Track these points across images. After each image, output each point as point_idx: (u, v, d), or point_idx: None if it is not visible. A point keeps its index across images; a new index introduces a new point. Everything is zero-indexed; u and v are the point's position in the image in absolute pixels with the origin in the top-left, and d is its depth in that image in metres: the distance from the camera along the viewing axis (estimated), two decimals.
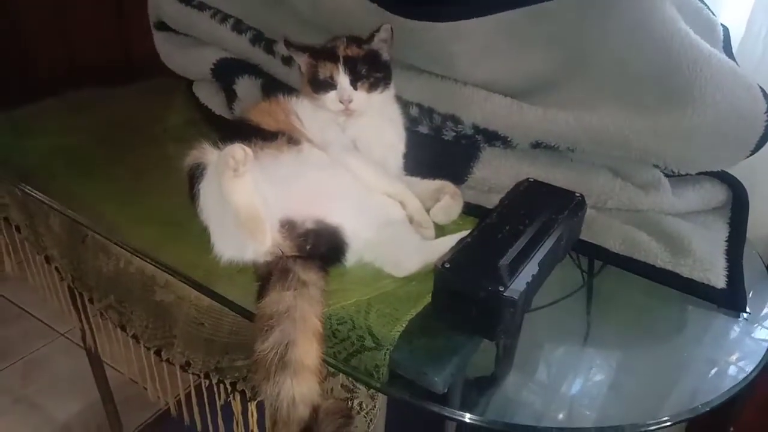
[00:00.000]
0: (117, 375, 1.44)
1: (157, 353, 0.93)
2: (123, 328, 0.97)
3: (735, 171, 0.91)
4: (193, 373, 0.88)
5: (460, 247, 0.69)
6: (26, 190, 0.96)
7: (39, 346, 1.97)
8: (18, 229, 1.07)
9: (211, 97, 1.16)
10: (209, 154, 0.77)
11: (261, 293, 0.69)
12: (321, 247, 0.74)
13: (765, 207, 0.97)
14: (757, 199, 0.91)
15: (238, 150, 0.67)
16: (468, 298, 0.64)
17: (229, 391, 0.85)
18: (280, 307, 0.66)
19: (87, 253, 0.94)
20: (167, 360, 0.93)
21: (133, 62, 1.46)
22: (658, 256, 0.80)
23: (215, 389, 0.88)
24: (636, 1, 0.80)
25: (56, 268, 1.04)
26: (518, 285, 0.63)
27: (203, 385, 0.89)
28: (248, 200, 0.69)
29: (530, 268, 0.66)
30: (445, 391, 0.62)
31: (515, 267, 0.65)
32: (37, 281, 1.12)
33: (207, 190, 0.74)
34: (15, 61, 1.91)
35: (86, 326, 1.17)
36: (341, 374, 0.71)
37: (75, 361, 1.73)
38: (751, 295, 0.78)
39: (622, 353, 0.77)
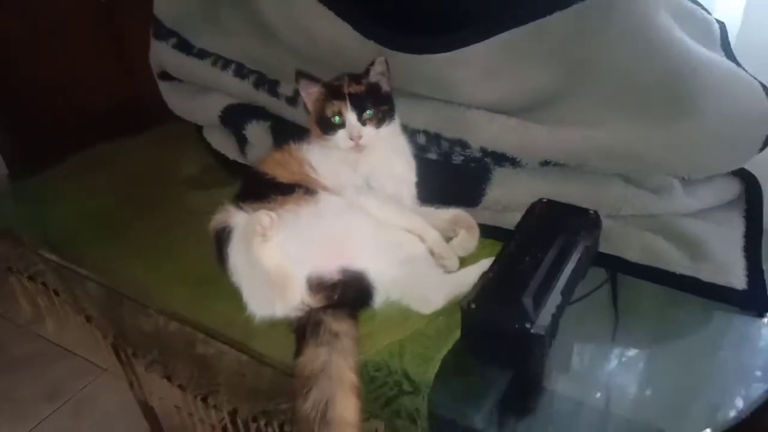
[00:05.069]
0: (163, 404, 1.49)
1: (204, 400, 0.98)
2: (169, 379, 1.01)
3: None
4: (241, 419, 0.93)
5: (484, 283, 0.72)
6: (56, 260, 1.00)
7: (86, 383, 2.04)
8: (56, 292, 1.12)
9: (223, 142, 1.18)
10: (233, 216, 0.80)
11: (297, 349, 0.73)
12: (349, 295, 0.77)
13: None
14: None
15: (264, 217, 0.71)
16: (496, 336, 0.67)
17: None
18: (316, 366, 0.69)
19: (126, 313, 0.98)
20: (214, 406, 0.97)
21: (143, 105, 1.46)
22: (678, 262, 0.81)
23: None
24: (630, 11, 0.80)
25: (97, 327, 1.09)
26: (544, 319, 0.66)
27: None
28: (278, 263, 0.73)
29: (554, 298, 0.69)
30: (486, 427, 0.65)
31: (539, 299, 0.68)
32: (79, 335, 1.17)
33: (235, 254, 0.78)
34: (20, 120, 1.84)
35: (132, 375, 1.21)
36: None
37: (121, 395, 1.79)
38: None
39: (644, 361, 0.77)
